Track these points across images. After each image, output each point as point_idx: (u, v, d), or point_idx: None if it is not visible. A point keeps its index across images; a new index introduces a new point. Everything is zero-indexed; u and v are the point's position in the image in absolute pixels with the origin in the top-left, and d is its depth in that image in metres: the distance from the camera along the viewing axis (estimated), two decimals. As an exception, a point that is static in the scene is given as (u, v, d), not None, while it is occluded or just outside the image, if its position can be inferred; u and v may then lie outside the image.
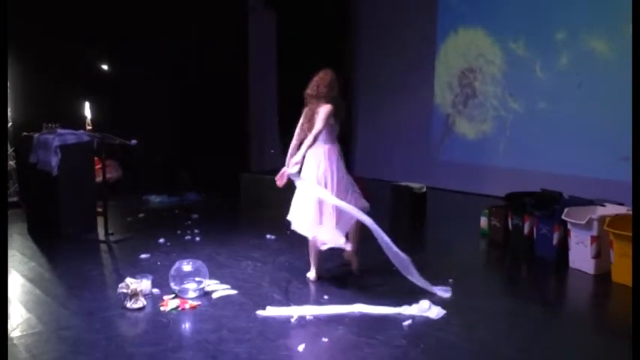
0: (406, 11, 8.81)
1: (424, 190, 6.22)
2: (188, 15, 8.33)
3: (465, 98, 8.18)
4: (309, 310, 3.48)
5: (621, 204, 4.66)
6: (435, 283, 3.89)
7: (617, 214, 4.27)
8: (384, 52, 9.19)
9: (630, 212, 4.32)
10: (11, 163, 7.02)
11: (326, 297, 3.77)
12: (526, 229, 4.96)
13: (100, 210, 5.62)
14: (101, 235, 5.46)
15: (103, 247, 5.22)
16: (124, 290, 3.60)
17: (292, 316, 3.39)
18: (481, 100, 7.95)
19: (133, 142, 5.37)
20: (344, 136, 10.46)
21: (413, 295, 3.71)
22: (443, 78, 8.40)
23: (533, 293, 4.21)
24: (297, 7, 8.96)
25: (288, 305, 3.61)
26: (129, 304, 3.56)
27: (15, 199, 6.75)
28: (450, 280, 4.13)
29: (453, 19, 8.22)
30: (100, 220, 5.58)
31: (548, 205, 4.76)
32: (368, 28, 9.53)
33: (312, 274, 4.17)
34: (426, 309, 3.47)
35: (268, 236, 5.46)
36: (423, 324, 3.34)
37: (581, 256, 4.39)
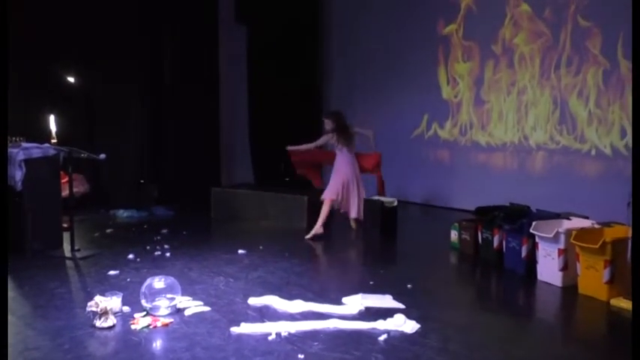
0: (381, 21, 8.94)
1: (395, 204, 6.31)
2: (158, 29, 8.27)
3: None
4: (284, 327, 3.46)
5: (586, 217, 4.82)
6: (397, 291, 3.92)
7: (582, 228, 4.40)
8: (357, 67, 9.31)
9: (596, 226, 4.47)
10: (-28, 177, 6.78)
11: (300, 313, 3.77)
12: (495, 243, 5.06)
13: (66, 225, 5.49)
14: (67, 252, 5.32)
15: (70, 263, 5.08)
16: (93, 308, 3.51)
17: (270, 334, 3.36)
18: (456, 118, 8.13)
19: (102, 156, 5.27)
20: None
21: (387, 309, 3.74)
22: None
23: (503, 305, 4.29)
24: (268, 20, 9.03)
25: (263, 322, 3.58)
26: (98, 323, 3.47)
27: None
28: (409, 286, 4.19)
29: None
30: (67, 236, 5.44)
31: (516, 218, 4.87)
32: (341, 44, 9.66)
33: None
34: (401, 324, 3.49)
35: (240, 251, 5.42)
36: (398, 338, 3.36)
37: (549, 268, 4.50)
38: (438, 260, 5.49)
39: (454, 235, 5.64)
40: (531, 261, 4.68)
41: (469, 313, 3.97)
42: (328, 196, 6.19)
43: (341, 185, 6.20)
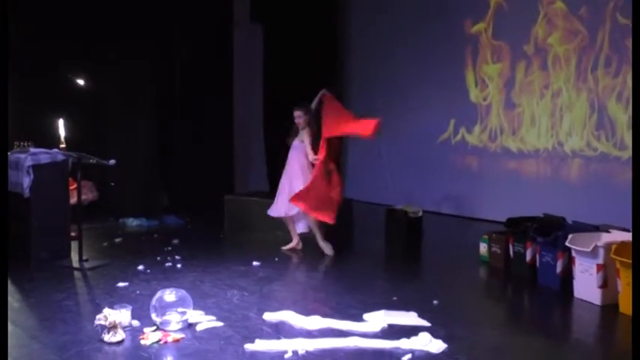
0: (404, 20, 8.92)
1: (420, 214, 6.27)
2: (169, 30, 8.36)
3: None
4: (301, 344, 3.45)
5: (627, 230, 4.72)
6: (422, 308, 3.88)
7: (623, 241, 4.31)
8: (377, 66, 9.31)
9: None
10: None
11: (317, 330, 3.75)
12: (528, 256, 5.00)
13: (74, 234, 5.56)
14: (75, 262, 5.38)
15: (77, 274, 5.14)
16: (102, 322, 3.53)
17: (286, 351, 3.35)
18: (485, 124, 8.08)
19: (112, 161, 5.34)
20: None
21: (412, 327, 3.70)
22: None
23: (536, 325, 4.22)
24: (285, 19, 9.06)
25: (279, 338, 3.57)
26: (107, 337, 3.50)
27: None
28: (435, 302, 4.15)
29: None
30: (74, 245, 5.51)
31: (551, 231, 4.80)
32: (360, 44, 9.67)
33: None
34: (426, 343, 3.45)
35: (255, 263, 5.43)
36: (423, 359, 3.33)
37: (586, 285, 4.42)
38: (466, 275, 5.43)
39: (483, 247, 5.58)
40: (567, 277, 4.61)
41: (499, 332, 3.91)
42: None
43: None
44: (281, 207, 5.88)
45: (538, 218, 5.15)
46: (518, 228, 5.13)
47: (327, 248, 5.83)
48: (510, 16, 7.70)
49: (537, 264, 4.90)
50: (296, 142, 5.91)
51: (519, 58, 7.60)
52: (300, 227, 5.94)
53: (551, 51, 7.25)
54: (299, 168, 5.86)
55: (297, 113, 5.86)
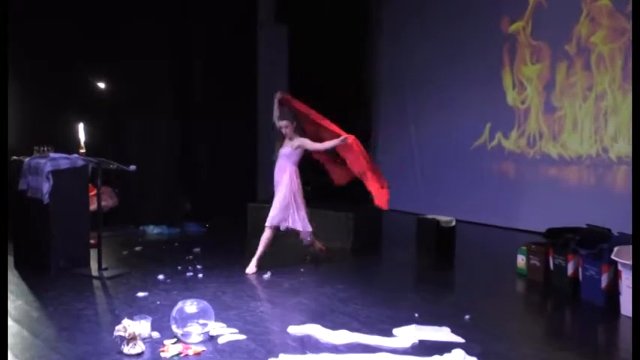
0: (436, 19, 8.88)
1: (453, 223, 6.23)
2: (191, 32, 8.46)
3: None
4: (328, 359, 3.44)
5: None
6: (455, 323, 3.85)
7: (674, 254, 4.21)
8: (408, 67, 9.28)
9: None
10: (-3, 189, 7.09)
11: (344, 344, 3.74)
12: (570, 270, 4.92)
13: (93, 242, 5.66)
14: (94, 270, 5.47)
15: (97, 283, 5.23)
16: (121, 333, 3.58)
17: (310, 366, 3.36)
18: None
19: (132, 167, 5.43)
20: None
21: (444, 344, 3.67)
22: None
23: (579, 342, 4.13)
24: (311, 19, 9.10)
25: (304, 353, 3.57)
26: (126, 349, 3.55)
27: (0, 228, 6.81)
28: (467, 317, 4.13)
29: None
30: (94, 253, 5.60)
31: (595, 242, 4.71)
32: (390, 43, 9.66)
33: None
34: (459, 360, 3.42)
35: (279, 273, 5.45)
36: (456, 377, 3.29)
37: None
38: (502, 288, 5.38)
39: (521, 260, 5.52)
40: (613, 292, 4.51)
41: (539, 350, 3.84)
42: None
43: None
44: (297, 221, 5.69)
45: (581, 229, 5.08)
46: (559, 239, 5.07)
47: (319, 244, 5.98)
48: (550, 14, 7.61)
49: (580, 278, 4.81)
50: (288, 150, 5.67)
51: (560, 58, 7.50)
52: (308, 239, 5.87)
53: (594, 50, 7.13)
54: (289, 177, 5.67)
55: (283, 123, 5.65)
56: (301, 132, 5.76)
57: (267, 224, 5.66)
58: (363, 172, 5.70)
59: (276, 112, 5.77)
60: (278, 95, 5.82)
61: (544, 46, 7.72)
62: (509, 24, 8.10)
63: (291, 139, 5.70)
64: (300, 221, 5.70)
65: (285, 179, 5.67)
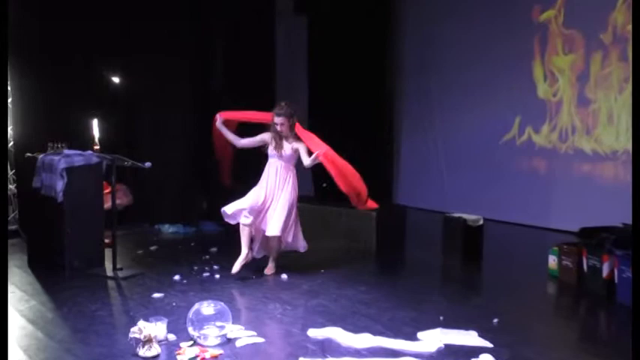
0: (463, 8, 8.81)
1: (481, 222, 6.19)
2: (208, 25, 8.50)
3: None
4: (349, 364, 3.45)
5: None
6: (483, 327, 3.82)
7: None
8: (434, 60, 9.22)
9: None
10: (11, 187, 7.22)
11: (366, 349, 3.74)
12: (605, 271, 4.86)
13: (107, 241, 5.73)
14: (109, 270, 5.54)
15: (111, 283, 5.30)
16: (137, 335, 3.63)
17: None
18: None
19: (147, 164, 5.48)
20: (383, 158, 10.44)
21: (472, 348, 3.65)
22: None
23: (615, 349, 4.08)
24: (331, 9, 9.08)
25: (325, 357, 3.58)
26: (142, 352, 3.58)
27: (14, 227, 6.93)
28: (495, 321, 4.12)
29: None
30: (108, 253, 5.67)
31: (631, 243, 4.63)
32: (415, 33, 9.60)
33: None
34: (488, 366, 3.40)
35: (298, 275, 5.47)
36: (484, 383, 3.27)
37: (673, 304, 4.25)
38: (533, 290, 5.34)
39: (552, 260, 5.47)
40: (651, 295, 4.44)
41: (571, 356, 3.82)
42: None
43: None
44: (276, 225, 5.40)
45: (616, 228, 5.03)
46: (593, 239, 5.03)
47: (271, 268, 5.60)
48: (584, 1, 7.50)
49: (615, 280, 4.75)
50: (288, 152, 5.58)
51: (595, 48, 7.39)
52: (260, 251, 5.67)
53: (631, 40, 7.01)
54: (284, 181, 5.64)
55: (280, 120, 5.48)
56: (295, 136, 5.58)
57: (277, 233, 5.39)
58: (347, 193, 5.61)
59: (229, 136, 5.82)
60: (218, 120, 5.79)
61: (577, 36, 7.61)
62: (540, 13, 8.00)
63: (287, 138, 5.56)
64: (276, 224, 5.40)
65: (288, 187, 5.59)
